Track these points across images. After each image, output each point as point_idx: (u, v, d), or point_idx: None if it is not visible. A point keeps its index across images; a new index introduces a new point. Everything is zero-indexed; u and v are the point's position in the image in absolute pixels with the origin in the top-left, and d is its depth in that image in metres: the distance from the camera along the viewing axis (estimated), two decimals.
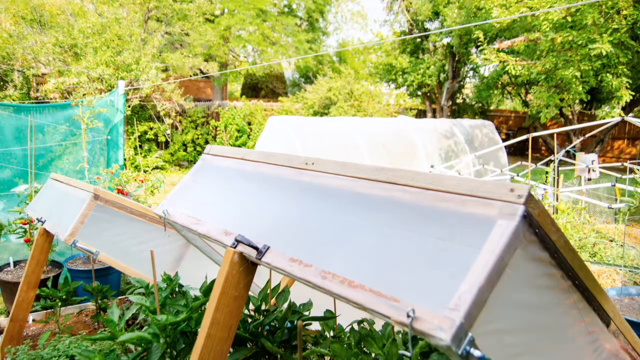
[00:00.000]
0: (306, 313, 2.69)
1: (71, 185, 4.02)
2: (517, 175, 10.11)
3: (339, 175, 1.84)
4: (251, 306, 2.68)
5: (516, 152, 27.70)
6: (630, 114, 16.54)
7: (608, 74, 12.36)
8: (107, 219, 3.73)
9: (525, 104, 23.58)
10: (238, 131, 20.39)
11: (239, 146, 19.47)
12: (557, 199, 7.89)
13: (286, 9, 31.57)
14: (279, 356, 2.50)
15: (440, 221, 1.34)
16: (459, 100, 29.28)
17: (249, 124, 21.36)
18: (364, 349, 2.26)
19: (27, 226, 6.09)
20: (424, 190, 1.46)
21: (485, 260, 1.15)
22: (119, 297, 5.33)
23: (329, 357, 2.58)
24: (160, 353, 2.38)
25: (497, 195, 1.27)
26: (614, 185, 8.70)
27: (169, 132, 19.06)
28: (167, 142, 19.78)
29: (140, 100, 17.53)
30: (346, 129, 14.95)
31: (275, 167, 2.16)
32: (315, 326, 2.87)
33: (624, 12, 11.25)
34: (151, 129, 18.90)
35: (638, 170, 6.92)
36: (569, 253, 1.44)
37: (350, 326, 2.55)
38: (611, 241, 7.84)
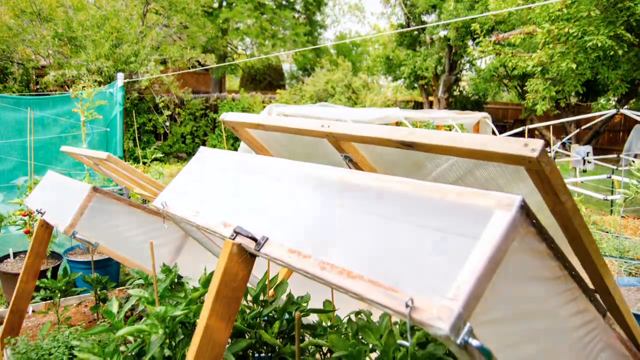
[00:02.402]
0: (304, 304, 2.70)
1: (83, 155, 4.04)
2: None
3: (350, 134, 1.86)
4: (249, 297, 2.69)
5: None
6: (626, 106, 16.56)
7: (604, 67, 12.37)
8: (106, 211, 3.74)
9: (522, 96, 23.57)
10: None
11: (237, 138, 19.46)
12: None
13: (284, 2, 31.51)
14: (277, 347, 2.51)
15: (438, 212, 1.35)
16: (456, 93, 29.27)
17: None
18: (362, 339, 2.28)
19: (26, 218, 6.10)
20: (422, 182, 1.47)
21: (483, 250, 1.16)
22: (118, 288, 5.35)
23: (326, 348, 2.59)
24: (159, 344, 2.39)
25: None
26: (610, 177, 8.71)
27: (167, 124, 19.05)
28: (165, 134, 19.76)
29: (139, 93, 17.51)
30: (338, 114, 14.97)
31: (274, 161, 2.16)
32: (313, 318, 2.88)
33: (620, 5, 11.26)
34: (150, 120, 18.88)
35: (633, 162, 6.92)
36: None
37: (347, 317, 2.56)
38: (607, 233, 7.85)
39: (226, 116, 2.75)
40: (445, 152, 1.62)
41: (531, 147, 1.27)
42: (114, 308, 2.79)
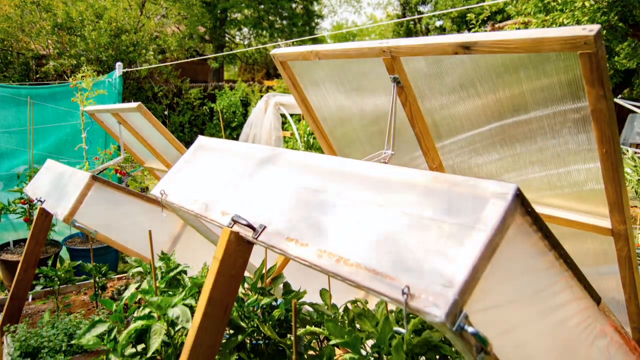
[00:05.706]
0: (302, 293, 2.72)
1: (110, 109, 4.02)
2: None
3: (408, 45, 1.96)
4: (246, 285, 2.70)
5: None
6: (619, 96, 16.52)
7: None
8: (105, 199, 3.75)
9: None
10: (234, 113, 20.32)
11: (234, 127, 19.43)
12: None
13: None
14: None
15: (435, 201, 1.36)
16: None
17: (246, 105, 21.29)
18: (358, 327, 2.29)
19: (26, 206, 6.11)
20: (419, 171, 1.48)
21: (479, 239, 1.17)
22: (117, 276, 5.36)
23: (323, 336, 2.61)
24: (158, 332, 2.40)
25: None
26: None
27: (166, 113, 19.01)
28: (164, 123, 19.70)
29: (137, 82, 17.47)
30: None
31: (272, 150, 2.17)
32: (307, 308, 2.89)
33: None
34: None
35: (627, 151, 6.92)
36: None
37: (344, 306, 2.57)
38: None
39: (277, 51, 2.79)
40: (505, 48, 1.64)
41: (589, 29, 1.33)
42: None
